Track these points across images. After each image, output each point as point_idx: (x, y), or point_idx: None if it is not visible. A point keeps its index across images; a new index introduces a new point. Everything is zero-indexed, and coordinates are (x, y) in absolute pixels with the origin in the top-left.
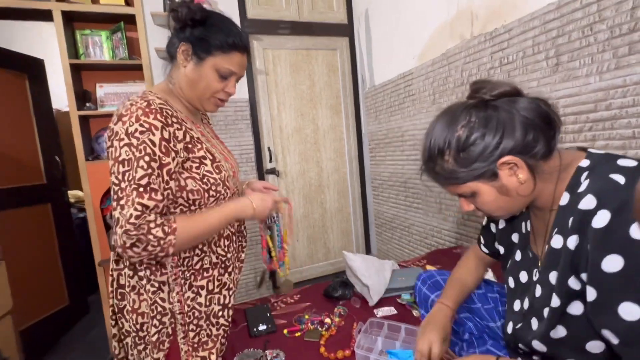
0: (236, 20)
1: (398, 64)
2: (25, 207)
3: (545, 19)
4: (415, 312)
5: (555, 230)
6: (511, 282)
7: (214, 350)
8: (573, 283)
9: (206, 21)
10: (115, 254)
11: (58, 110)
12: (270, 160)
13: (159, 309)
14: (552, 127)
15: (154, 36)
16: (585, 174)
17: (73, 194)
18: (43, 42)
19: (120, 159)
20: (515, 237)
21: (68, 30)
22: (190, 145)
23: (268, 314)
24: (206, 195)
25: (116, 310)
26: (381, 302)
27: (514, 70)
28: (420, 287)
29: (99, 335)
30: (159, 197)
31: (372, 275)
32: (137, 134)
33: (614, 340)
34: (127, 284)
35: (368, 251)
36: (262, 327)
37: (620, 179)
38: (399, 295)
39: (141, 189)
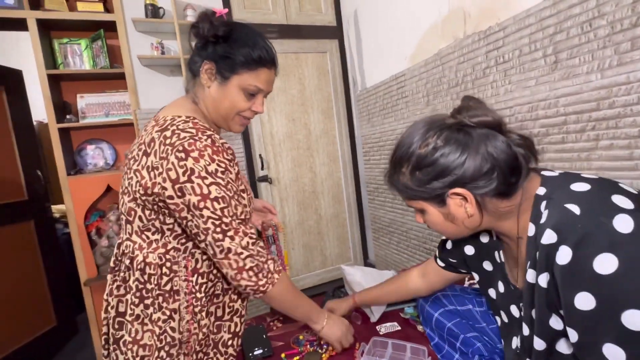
0: None
1: (390, 66)
2: (6, 225)
3: (541, 15)
4: (419, 327)
5: (529, 264)
6: (504, 317)
7: None
8: (555, 323)
9: (230, 36)
10: (113, 277)
11: (40, 122)
12: (262, 168)
13: (168, 339)
14: (515, 174)
15: (136, 43)
16: (544, 203)
17: (58, 208)
18: (20, 52)
19: (212, 196)
20: (487, 266)
21: (45, 40)
22: (237, 177)
23: (264, 336)
24: None
25: (111, 340)
26: (383, 317)
27: (511, 69)
28: (422, 304)
29: (89, 356)
30: (253, 228)
31: None
32: (220, 174)
33: None
34: (130, 312)
35: (366, 257)
36: (257, 352)
37: (575, 209)
38: (402, 309)
39: (245, 223)
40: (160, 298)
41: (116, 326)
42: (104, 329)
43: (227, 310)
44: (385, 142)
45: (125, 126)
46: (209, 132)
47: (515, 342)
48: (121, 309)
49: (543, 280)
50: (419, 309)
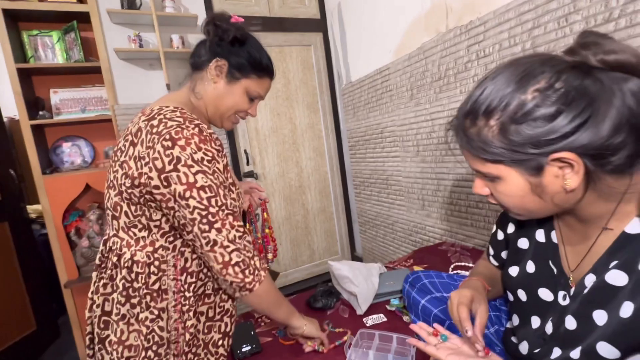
0: (202, 16)
1: (374, 59)
2: None
3: (520, 10)
4: (405, 318)
5: (615, 263)
6: (522, 295)
7: None
8: None
9: (246, 41)
10: (99, 275)
11: (11, 119)
12: (248, 163)
13: (156, 338)
14: None
15: (112, 35)
16: None
17: (34, 208)
18: None
19: (198, 185)
20: (523, 243)
21: (12, 31)
22: (225, 169)
23: (252, 332)
24: None
25: (96, 339)
26: (370, 309)
27: (492, 63)
28: (409, 291)
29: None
30: (241, 221)
31: (360, 283)
32: (206, 162)
33: None
34: (116, 311)
35: (353, 250)
36: (246, 349)
37: None
38: (388, 301)
39: (234, 215)
40: (148, 297)
41: (102, 325)
42: (88, 328)
43: (217, 310)
44: (371, 135)
45: (103, 122)
46: (196, 122)
47: (537, 322)
48: (107, 308)
49: None
50: (406, 296)
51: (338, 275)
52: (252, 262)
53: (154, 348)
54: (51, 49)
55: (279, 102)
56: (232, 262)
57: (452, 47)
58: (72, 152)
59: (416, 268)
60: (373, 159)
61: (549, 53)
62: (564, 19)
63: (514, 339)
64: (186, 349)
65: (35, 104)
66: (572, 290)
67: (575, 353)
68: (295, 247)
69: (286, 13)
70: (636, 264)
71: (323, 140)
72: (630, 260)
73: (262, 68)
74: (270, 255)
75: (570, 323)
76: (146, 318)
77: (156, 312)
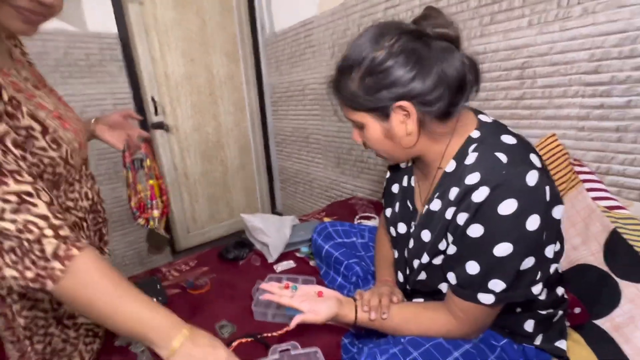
0: None
1: (298, 10)
2: None
3: None
4: (312, 262)
5: (437, 194)
6: (392, 232)
7: (75, 354)
8: (442, 245)
9: None
10: None
11: None
12: (157, 113)
13: None
14: (462, 93)
15: None
16: (474, 146)
17: None
18: None
19: None
20: (395, 188)
21: None
22: (10, 108)
23: (158, 286)
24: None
25: None
26: (281, 257)
27: None
28: (315, 239)
29: None
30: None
31: (272, 233)
32: None
33: (453, 281)
34: None
35: (273, 207)
36: None
37: (503, 157)
38: (298, 249)
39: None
40: None
41: None
42: None
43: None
44: (294, 92)
45: None
46: None
47: (399, 254)
48: None
49: (450, 213)
50: (313, 244)
51: (251, 227)
52: (35, 247)
53: None
54: None
55: (193, 45)
56: (5, 248)
57: (371, 7)
58: None
59: (326, 219)
60: (295, 116)
61: (399, 20)
62: None
63: (398, 277)
64: (28, 334)
65: None
66: (417, 220)
67: (416, 263)
68: (213, 204)
69: None
70: (447, 194)
71: (244, 94)
72: (443, 191)
73: None
74: (156, 213)
75: (411, 244)
76: None
77: None
